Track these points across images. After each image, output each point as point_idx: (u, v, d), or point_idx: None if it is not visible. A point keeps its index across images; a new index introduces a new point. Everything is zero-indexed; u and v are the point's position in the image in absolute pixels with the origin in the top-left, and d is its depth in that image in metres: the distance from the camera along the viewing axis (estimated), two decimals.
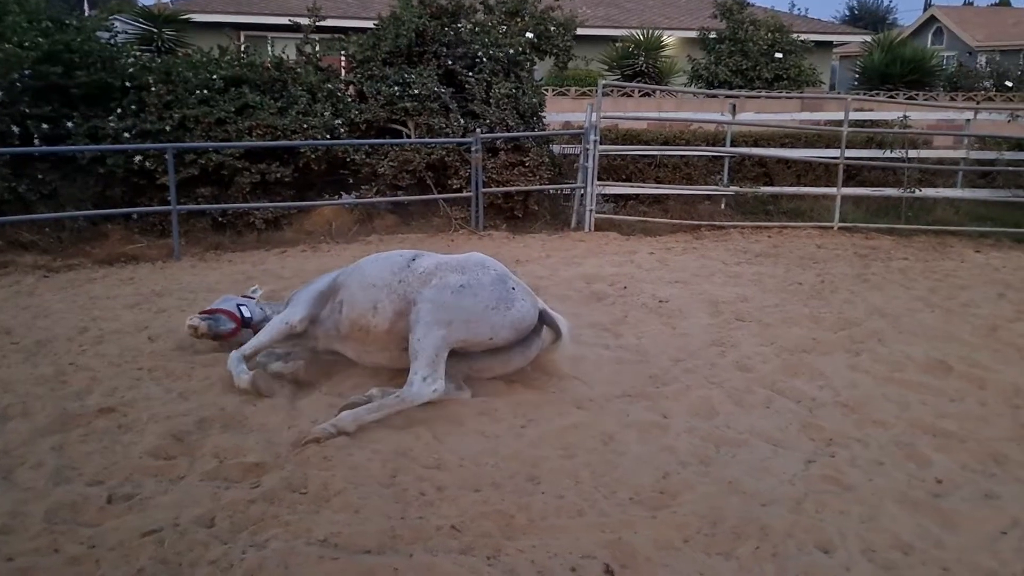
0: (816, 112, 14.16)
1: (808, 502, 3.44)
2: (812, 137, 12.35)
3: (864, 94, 18.07)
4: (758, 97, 16.10)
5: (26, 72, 9.03)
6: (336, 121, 10.44)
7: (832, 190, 11.00)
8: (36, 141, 9.22)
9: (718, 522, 3.28)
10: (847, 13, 51.63)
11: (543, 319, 4.72)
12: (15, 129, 9.08)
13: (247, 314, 5.31)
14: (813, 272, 8.24)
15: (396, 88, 10.63)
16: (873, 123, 12.70)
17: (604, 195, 11.49)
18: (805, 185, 12.00)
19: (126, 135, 9.49)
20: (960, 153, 12.25)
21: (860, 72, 22.93)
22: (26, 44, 9.13)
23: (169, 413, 4.33)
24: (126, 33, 14.40)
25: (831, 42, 26.93)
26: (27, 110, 9.11)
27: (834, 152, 11.24)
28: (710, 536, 3.20)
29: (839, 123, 11.23)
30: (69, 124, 9.37)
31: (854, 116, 11.78)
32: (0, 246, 8.76)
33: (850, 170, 11.45)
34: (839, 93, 22.82)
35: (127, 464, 3.75)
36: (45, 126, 9.26)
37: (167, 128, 9.63)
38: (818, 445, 4.05)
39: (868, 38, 25.66)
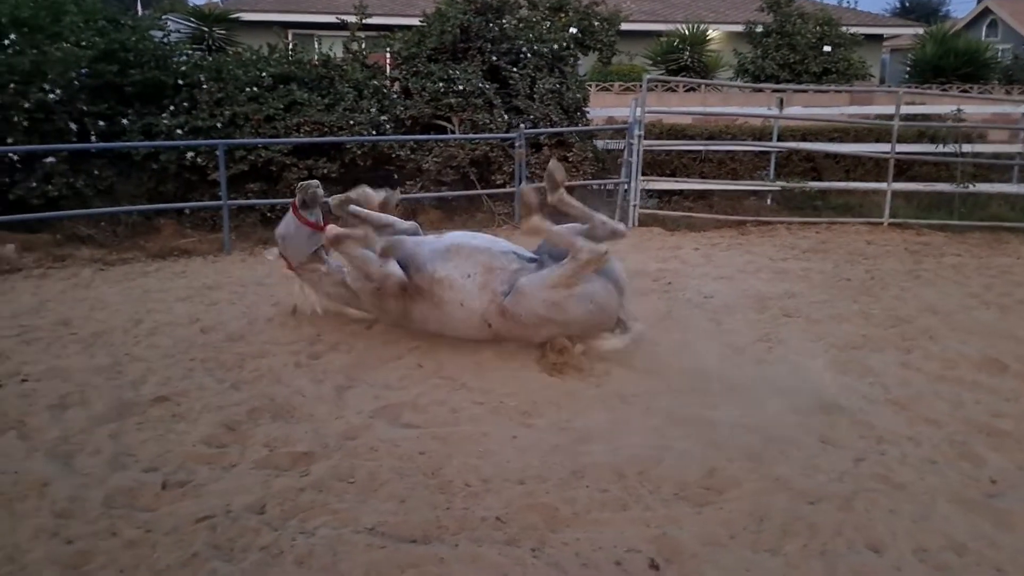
0: (866, 106, 13.92)
1: (858, 500, 3.39)
2: (862, 131, 12.11)
3: (916, 87, 17.69)
4: (806, 91, 15.90)
5: (83, 71, 9.26)
6: (382, 117, 10.54)
7: (882, 185, 10.79)
8: (93, 138, 9.44)
9: (765, 519, 3.26)
10: (898, 5, 50.46)
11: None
12: (73, 126, 9.32)
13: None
14: (862, 268, 8.10)
15: (441, 84, 10.68)
16: (925, 117, 12.42)
17: (648, 190, 11.42)
18: (854, 180, 11.78)
19: (178, 132, 9.68)
20: (1016, 147, 11.96)
21: (912, 65, 22.49)
22: (83, 43, 9.37)
23: (221, 403, 4.43)
24: (178, 32, 14.71)
25: (881, 35, 26.40)
26: (84, 108, 9.34)
27: (884, 147, 11.01)
28: (757, 533, 3.18)
29: (890, 117, 11.00)
30: (124, 121, 9.59)
31: (905, 110, 11.54)
32: (59, 240, 9.01)
33: (901, 165, 11.21)
34: (890, 87, 22.38)
35: (181, 452, 3.85)
36: (101, 123, 9.49)
37: (218, 125, 9.81)
38: (868, 443, 3.99)
39: (920, 30, 25.13)
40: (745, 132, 12.35)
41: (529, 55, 11.14)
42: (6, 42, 9.08)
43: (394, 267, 5.15)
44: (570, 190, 10.74)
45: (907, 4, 49.98)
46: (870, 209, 11.04)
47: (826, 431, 4.10)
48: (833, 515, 3.29)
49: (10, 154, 8.90)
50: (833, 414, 4.33)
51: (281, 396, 4.52)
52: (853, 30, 20.13)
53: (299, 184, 5.75)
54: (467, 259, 5.09)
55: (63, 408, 4.39)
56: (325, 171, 10.14)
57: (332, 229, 5.35)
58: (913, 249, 9.18)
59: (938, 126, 11.65)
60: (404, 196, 10.76)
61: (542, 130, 10.78)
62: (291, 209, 5.77)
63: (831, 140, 12.05)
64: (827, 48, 18.82)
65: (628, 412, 4.33)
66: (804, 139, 12.13)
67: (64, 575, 2.91)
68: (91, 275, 7.85)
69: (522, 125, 10.57)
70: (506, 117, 10.81)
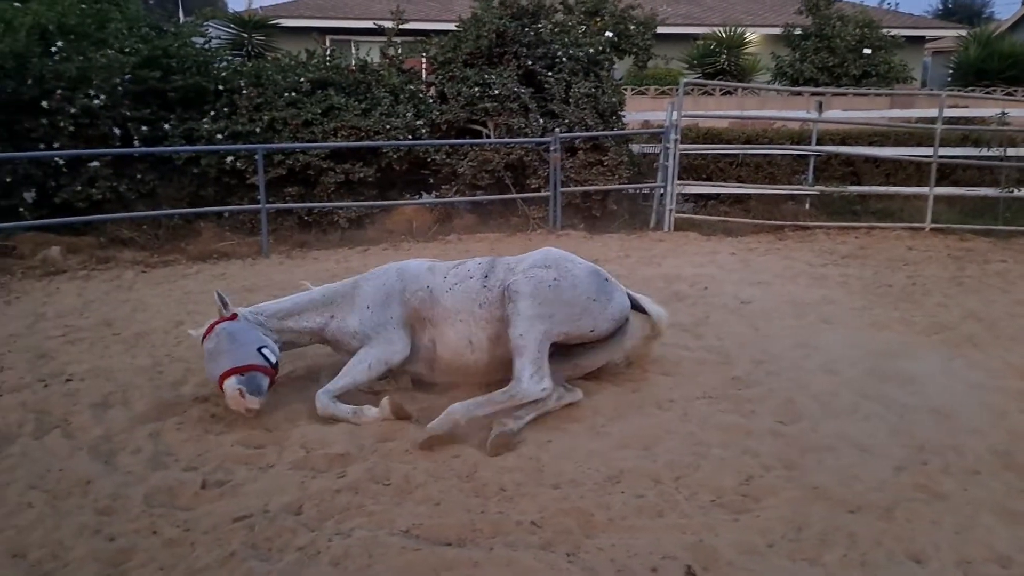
0: (907, 109, 13.68)
1: (899, 510, 3.33)
2: (903, 135, 11.92)
3: (958, 90, 17.38)
4: (845, 94, 15.67)
5: (127, 77, 9.47)
6: (418, 122, 10.62)
7: (924, 190, 10.60)
8: (136, 142, 9.65)
9: (803, 528, 3.21)
10: (940, 7, 49.57)
11: (634, 307, 4.74)
12: (116, 131, 9.54)
13: (273, 359, 4.45)
14: (903, 274, 7.96)
15: (476, 89, 10.73)
16: (968, 120, 12.18)
17: (684, 195, 11.35)
18: (895, 185, 11.60)
19: (219, 136, 9.85)
20: None
21: (954, 68, 22.08)
22: (127, 50, 9.59)
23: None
24: (219, 38, 14.91)
25: (923, 37, 25.95)
26: (128, 113, 9.55)
27: (927, 150, 10.83)
28: (795, 542, 3.13)
29: (932, 120, 10.82)
30: (166, 126, 9.79)
31: (948, 113, 11.33)
32: (102, 242, 9.21)
33: (943, 169, 11.02)
34: (931, 90, 21.99)
35: (219, 452, 3.90)
36: (144, 128, 9.70)
37: (257, 130, 9.97)
38: (909, 452, 3.91)
39: (963, 32, 24.64)
40: (783, 136, 12.22)
41: (565, 59, 11.14)
42: (53, 49, 9.31)
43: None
44: (604, 195, 10.81)
45: (950, 6, 49.06)
46: (911, 214, 10.86)
47: (865, 440, 4.03)
48: (873, 525, 3.23)
49: (56, 158, 9.13)
50: (872, 422, 4.26)
51: None
52: (894, 32, 19.78)
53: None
54: None
55: (106, 407, 4.48)
56: (362, 175, 10.25)
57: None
58: (956, 255, 9.01)
59: (982, 130, 11.44)
60: (439, 200, 10.85)
61: (577, 134, 10.77)
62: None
63: (871, 144, 11.88)
64: (867, 51, 18.53)
65: (664, 418, 4.30)
66: (843, 143, 11.98)
67: (105, 572, 2.95)
68: (133, 277, 8.01)
69: (557, 129, 10.57)
70: (541, 121, 10.83)
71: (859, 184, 11.68)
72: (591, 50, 11.41)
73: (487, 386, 4.46)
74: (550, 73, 11.10)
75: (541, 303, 4.26)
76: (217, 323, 4.43)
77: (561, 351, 4.45)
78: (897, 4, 30.99)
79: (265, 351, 4.41)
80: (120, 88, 9.44)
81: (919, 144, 11.51)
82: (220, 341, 4.34)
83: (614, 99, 11.34)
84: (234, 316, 4.50)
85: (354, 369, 4.46)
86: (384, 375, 4.62)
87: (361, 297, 4.69)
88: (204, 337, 4.42)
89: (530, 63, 11.11)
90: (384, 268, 4.88)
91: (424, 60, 12.08)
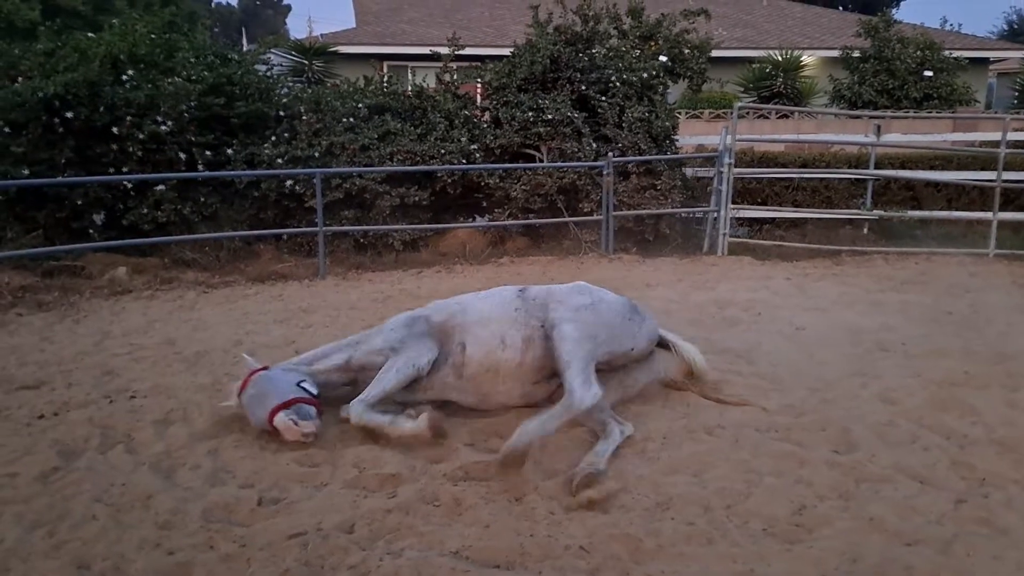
0: (970, 132, 13.39)
1: (958, 544, 3.24)
2: (966, 159, 11.66)
3: None
4: (905, 117, 15.39)
5: (193, 104, 9.81)
6: (472, 146, 10.75)
7: (988, 215, 10.34)
8: (200, 167, 9.97)
9: (858, 559, 3.15)
10: (1005, 28, 48.39)
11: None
12: (182, 156, 9.87)
13: (314, 391, 4.48)
14: (965, 301, 7.75)
15: (530, 114, 10.83)
16: None
17: (738, 219, 11.26)
18: (957, 209, 11.34)
19: (279, 161, 10.11)
20: None
21: (1020, 90, 21.52)
22: (193, 78, 9.94)
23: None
24: (280, 66, 15.37)
25: (987, 59, 25.38)
26: (193, 138, 9.88)
27: (990, 175, 10.57)
28: (849, 574, 3.07)
29: (996, 144, 10.56)
30: (229, 151, 10.10)
31: (1013, 136, 11.05)
32: (166, 263, 9.52)
33: (1008, 194, 10.75)
34: (996, 112, 21.45)
35: (275, 470, 3.98)
36: (208, 153, 10.01)
37: (316, 154, 10.20)
38: (970, 485, 3.80)
39: None
40: (840, 160, 12.06)
41: (618, 84, 11.19)
42: (124, 77, 9.71)
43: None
44: (657, 219, 10.78)
45: (1015, 26, 47.89)
46: (974, 240, 10.59)
47: (924, 471, 3.94)
48: (931, 559, 3.15)
49: (125, 182, 9.49)
50: (932, 453, 4.15)
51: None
52: (956, 54, 19.43)
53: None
54: None
55: (167, 424, 4.61)
56: (416, 199, 10.41)
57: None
58: (1021, 282, 8.74)
59: None
60: (492, 223, 10.94)
61: (630, 158, 10.79)
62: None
63: (932, 168, 11.65)
64: (928, 73, 18.23)
65: (715, 444, 4.25)
66: (903, 167, 11.76)
67: None
68: (195, 297, 8.24)
69: (610, 154, 10.60)
70: (594, 146, 10.88)
71: (920, 209, 11.45)
72: (645, 75, 11.44)
73: (515, 409, 4.55)
74: (603, 98, 11.15)
75: (584, 325, 4.35)
76: (251, 374, 4.47)
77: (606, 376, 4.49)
78: (960, 25, 30.39)
79: (304, 384, 4.45)
80: (186, 115, 9.77)
81: (982, 168, 11.25)
82: (259, 386, 4.38)
83: (667, 123, 11.34)
84: (265, 367, 4.58)
85: (383, 377, 4.41)
86: (411, 380, 4.48)
87: (385, 324, 4.80)
88: (240, 390, 4.44)
89: (584, 88, 11.19)
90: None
91: (479, 85, 12.25)
